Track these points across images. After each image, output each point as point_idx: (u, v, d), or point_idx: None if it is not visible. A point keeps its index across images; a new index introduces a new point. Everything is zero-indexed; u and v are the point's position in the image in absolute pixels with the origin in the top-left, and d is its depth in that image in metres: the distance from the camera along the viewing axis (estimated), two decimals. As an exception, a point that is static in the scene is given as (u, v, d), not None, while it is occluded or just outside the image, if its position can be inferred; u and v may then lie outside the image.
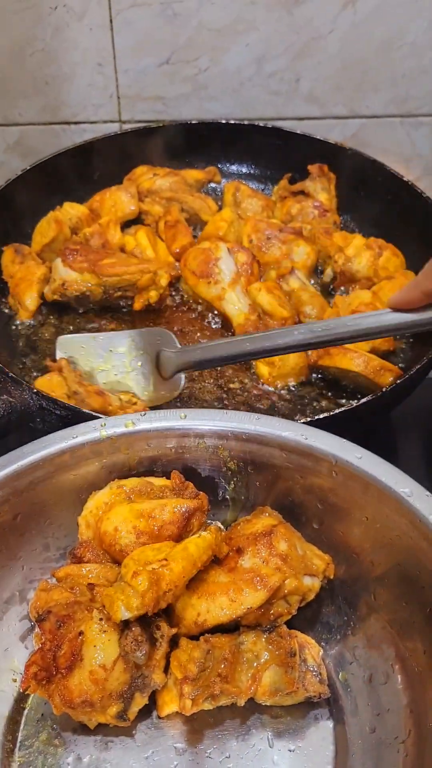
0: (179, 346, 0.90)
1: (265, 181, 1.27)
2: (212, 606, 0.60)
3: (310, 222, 1.11)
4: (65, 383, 0.84)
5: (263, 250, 1.05)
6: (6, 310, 1.03)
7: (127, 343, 0.91)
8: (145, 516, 0.62)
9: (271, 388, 0.93)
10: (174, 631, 0.60)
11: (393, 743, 0.58)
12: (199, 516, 0.64)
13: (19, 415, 0.80)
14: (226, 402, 0.91)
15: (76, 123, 1.27)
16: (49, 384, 0.85)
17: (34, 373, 0.94)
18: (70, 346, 0.91)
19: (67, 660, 0.57)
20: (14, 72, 1.20)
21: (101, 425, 0.67)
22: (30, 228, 1.10)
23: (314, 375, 0.95)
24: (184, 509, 0.63)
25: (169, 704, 0.60)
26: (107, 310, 1.03)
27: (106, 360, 0.90)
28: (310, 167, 1.16)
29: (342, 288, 1.04)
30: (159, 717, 0.61)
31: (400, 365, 0.93)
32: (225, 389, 0.93)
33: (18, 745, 0.61)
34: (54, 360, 0.90)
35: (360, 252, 1.03)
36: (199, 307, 1.03)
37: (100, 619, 0.57)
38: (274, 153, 1.23)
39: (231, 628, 0.63)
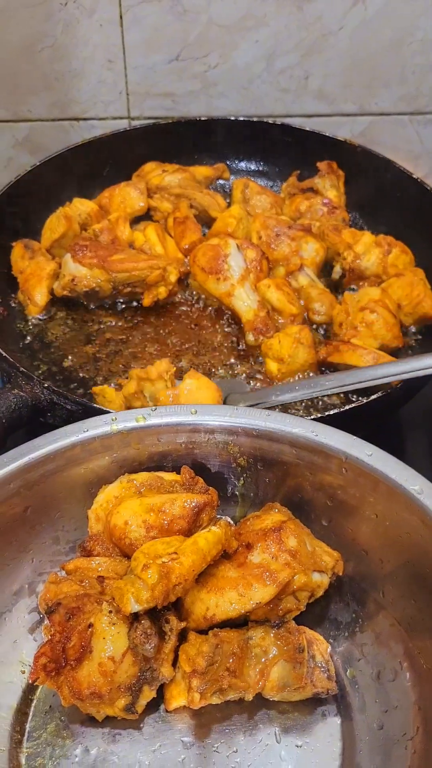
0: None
1: (274, 178, 1.27)
2: (221, 600, 0.60)
3: (319, 219, 1.11)
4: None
5: (272, 247, 1.04)
6: (16, 306, 1.03)
7: None
8: (155, 510, 0.63)
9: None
10: (183, 624, 0.60)
11: (401, 740, 0.58)
12: (208, 511, 0.64)
13: (30, 409, 0.80)
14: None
15: (85, 119, 1.27)
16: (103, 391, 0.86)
17: (44, 368, 0.94)
18: None
19: (76, 652, 0.57)
20: (24, 68, 1.20)
21: (112, 419, 0.68)
22: (39, 224, 1.10)
23: (323, 371, 0.95)
24: (194, 504, 0.63)
25: (176, 698, 0.60)
26: (116, 305, 1.03)
27: None
28: (319, 164, 1.16)
29: (351, 285, 1.04)
30: (167, 711, 0.62)
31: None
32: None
33: (26, 736, 0.61)
34: None
35: (369, 249, 1.03)
36: (208, 304, 1.03)
37: (110, 612, 0.58)
38: (283, 150, 1.23)
39: (240, 623, 0.63)
